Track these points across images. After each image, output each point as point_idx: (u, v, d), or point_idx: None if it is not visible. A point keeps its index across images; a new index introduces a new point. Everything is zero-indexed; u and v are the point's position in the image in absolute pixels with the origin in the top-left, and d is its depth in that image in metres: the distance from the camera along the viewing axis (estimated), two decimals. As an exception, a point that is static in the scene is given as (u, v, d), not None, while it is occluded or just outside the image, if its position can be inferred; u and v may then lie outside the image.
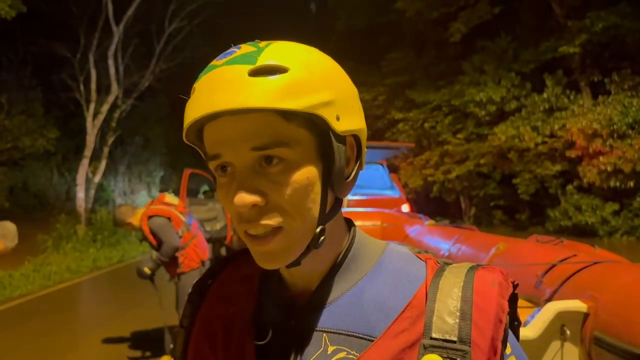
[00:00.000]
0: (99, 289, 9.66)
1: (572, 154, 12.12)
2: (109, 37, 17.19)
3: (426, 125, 16.14)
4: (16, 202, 18.03)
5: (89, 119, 16.89)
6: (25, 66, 17.90)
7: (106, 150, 18.31)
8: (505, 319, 0.59)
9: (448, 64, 16.26)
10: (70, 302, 8.35)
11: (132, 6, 16.97)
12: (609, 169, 11.16)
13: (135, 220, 4.29)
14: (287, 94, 0.56)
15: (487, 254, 3.60)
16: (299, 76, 0.57)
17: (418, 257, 0.69)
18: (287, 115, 0.57)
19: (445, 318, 0.57)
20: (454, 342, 0.56)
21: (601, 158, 11.33)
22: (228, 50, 0.61)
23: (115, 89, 17.36)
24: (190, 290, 0.79)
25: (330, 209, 0.64)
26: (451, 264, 0.66)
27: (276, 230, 0.60)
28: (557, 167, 12.81)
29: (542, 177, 13.16)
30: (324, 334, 0.63)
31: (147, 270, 4.27)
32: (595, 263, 2.64)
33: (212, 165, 0.62)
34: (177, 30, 19.70)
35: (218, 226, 9.10)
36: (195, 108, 0.58)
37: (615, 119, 11.09)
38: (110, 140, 18.48)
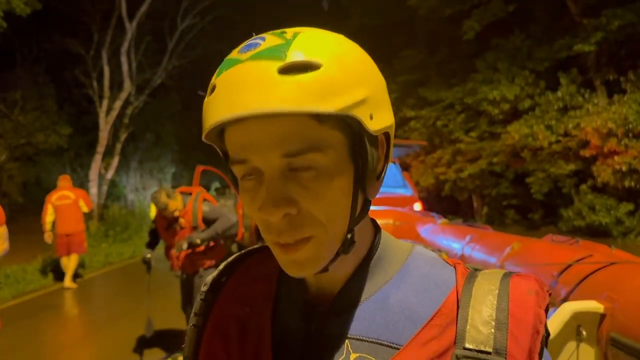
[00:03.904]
0: (111, 284, 9.72)
1: (586, 153, 11.99)
2: (122, 34, 17.26)
3: (438, 123, 16.07)
4: (29, 197, 18.24)
5: (102, 115, 16.98)
6: (39, 63, 18.07)
7: (119, 146, 18.42)
8: (543, 330, 0.56)
9: (461, 61, 16.15)
10: (83, 297, 8.40)
11: (145, 3, 17.02)
12: (624, 168, 11.03)
13: (179, 204, 4.27)
14: (321, 94, 0.51)
15: (501, 253, 3.57)
16: (333, 73, 0.53)
17: (446, 261, 0.65)
18: (320, 117, 0.53)
19: (479, 327, 0.54)
20: (488, 353, 0.53)
21: (616, 157, 11.20)
22: (251, 41, 0.56)
23: (128, 86, 17.44)
24: (203, 288, 0.76)
25: (360, 211, 0.61)
26: (481, 270, 0.62)
27: (307, 238, 0.56)
28: (571, 167, 12.68)
29: (555, 177, 13.04)
30: (347, 340, 0.60)
31: (198, 240, 4.19)
32: (612, 264, 2.61)
33: (236, 169, 0.58)
34: (189, 27, 19.74)
35: (229, 223, 9.12)
36: (219, 109, 0.53)
37: (630, 118, 10.94)
38: (123, 136, 18.57)
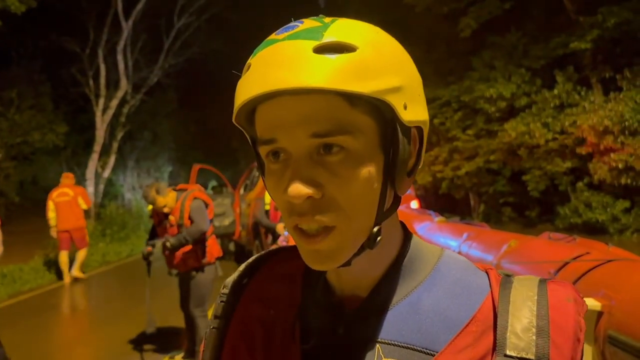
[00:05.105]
0: (108, 284, 9.70)
1: (582, 150, 11.99)
2: (118, 32, 17.23)
3: (435, 121, 16.05)
4: (26, 196, 18.18)
5: (99, 114, 16.95)
6: (34, 61, 18.00)
7: (115, 145, 18.37)
8: (583, 338, 0.55)
9: (458, 59, 16.12)
10: (80, 297, 8.39)
11: (142, 1, 16.98)
12: (620, 166, 11.03)
13: (169, 200, 4.26)
14: (354, 75, 0.50)
15: (498, 251, 3.57)
16: (368, 57, 0.52)
17: (478, 267, 0.64)
18: (352, 99, 0.52)
19: (520, 334, 0.53)
20: None
21: (612, 155, 11.20)
22: (289, 25, 0.56)
23: (124, 84, 17.41)
24: (223, 290, 0.75)
25: (389, 207, 0.59)
26: (512, 275, 0.61)
27: (329, 228, 0.54)
28: (568, 164, 12.68)
29: (552, 174, 13.04)
30: (377, 345, 0.58)
31: (168, 244, 4.14)
32: (609, 261, 2.61)
33: (263, 150, 0.57)
34: (185, 25, 19.71)
35: (226, 222, 9.14)
36: (251, 86, 0.52)
37: (626, 116, 10.94)
38: (120, 135, 18.53)
